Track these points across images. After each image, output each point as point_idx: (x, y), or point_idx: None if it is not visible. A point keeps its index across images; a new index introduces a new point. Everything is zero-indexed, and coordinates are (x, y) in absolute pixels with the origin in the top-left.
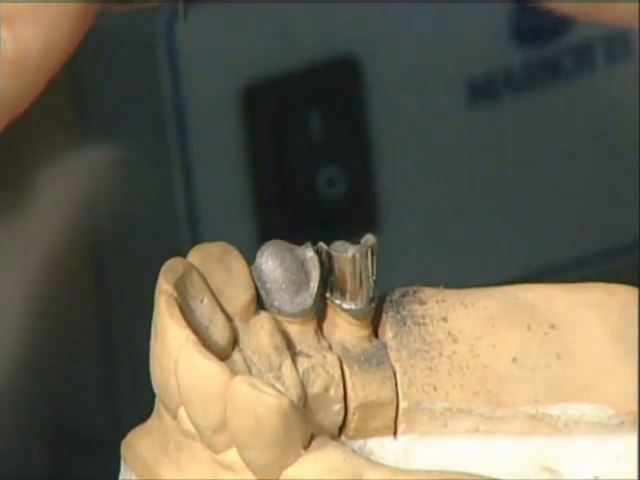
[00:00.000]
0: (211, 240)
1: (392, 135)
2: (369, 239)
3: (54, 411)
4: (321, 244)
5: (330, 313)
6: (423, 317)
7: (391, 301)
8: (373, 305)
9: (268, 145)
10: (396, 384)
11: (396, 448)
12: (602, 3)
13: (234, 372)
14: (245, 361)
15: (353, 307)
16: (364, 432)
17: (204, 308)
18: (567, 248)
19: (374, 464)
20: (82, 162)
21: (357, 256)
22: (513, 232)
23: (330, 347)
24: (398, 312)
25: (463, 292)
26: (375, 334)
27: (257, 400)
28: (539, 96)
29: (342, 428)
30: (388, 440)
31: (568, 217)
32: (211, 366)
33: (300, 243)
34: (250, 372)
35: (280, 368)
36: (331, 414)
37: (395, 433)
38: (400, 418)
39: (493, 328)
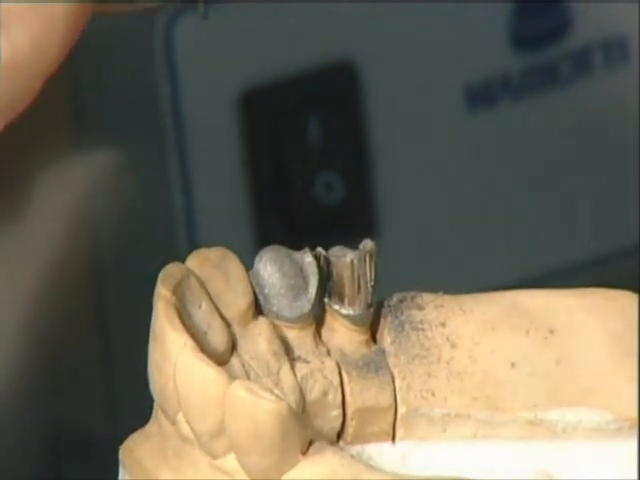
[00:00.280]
0: (209, 245)
1: (390, 140)
2: (367, 244)
3: (54, 412)
4: (319, 249)
5: (328, 318)
6: (421, 322)
7: (389, 306)
8: (371, 310)
9: (266, 150)
10: (394, 389)
11: (394, 453)
12: None
13: (232, 377)
14: (243, 366)
15: (351, 312)
16: (362, 437)
17: (202, 313)
18: (566, 253)
19: (372, 469)
20: (80, 166)
21: (355, 261)
22: (512, 237)
23: (328, 352)
24: (396, 317)
25: (461, 297)
26: (373, 339)
27: (255, 405)
28: (537, 101)
29: (340, 433)
30: (386, 445)
31: (567, 222)
32: (209, 371)
33: (298, 248)
34: (248, 377)
35: (278, 373)
36: (329, 419)
37: (393, 438)
38: (398, 423)
39: (492, 333)
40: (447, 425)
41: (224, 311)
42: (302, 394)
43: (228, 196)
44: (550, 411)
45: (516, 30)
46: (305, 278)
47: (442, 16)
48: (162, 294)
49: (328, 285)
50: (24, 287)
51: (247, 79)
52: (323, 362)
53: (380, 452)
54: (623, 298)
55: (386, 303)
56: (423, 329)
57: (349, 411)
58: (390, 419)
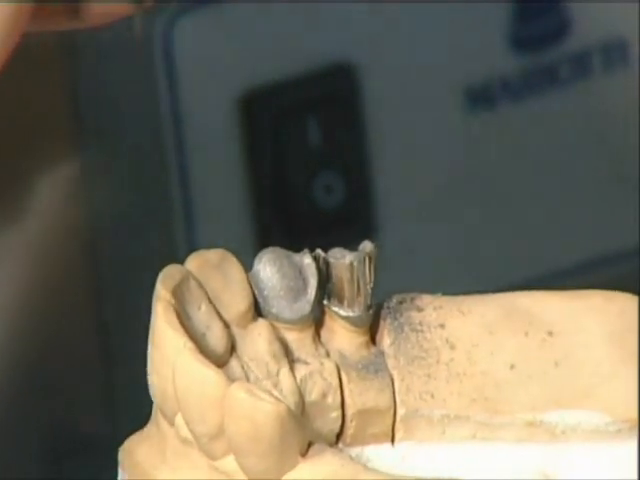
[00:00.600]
0: (209, 247)
1: (389, 141)
2: (367, 246)
3: (54, 412)
4: (319, 251)
5: (328, 320)
6: (421, 324)
7: (388, 308)
8: (371, 312)
9: (266, 151)
10: (394, 391)
11: (394, 455)
12: None
13: (231, 379)
14: (243, 368)
15: (351, 314)
16: (362, 439)
17: (202, 315)
18: (566, 255)
19: (372, 471)
20: (79, 166)
21: (355, 263)
22: (512, 239)
23: (328, 354)
24: (396, 319)
25: (461, 299)
26: (373, 341)
27: (255, 407)
28: (536, 103)
29: (340, 435)
30: (386, 447)
31: (567, 224)
32: (208, 373)
33: (298, 250)
34: (248, 379)
35: (278, 375)
36: (329, 421)
37: (393, 440)
38: (398, 425)
39: (491, 335)
40: (446, 427)
41: (223, 312)
42: (301, 396)
43: (228, 197)
44: (549, 413)
45: (516, 32)
46: (304, 280)
47: (442, 18)
48: (161, 295)
49: (327, 287)
50: (24, 288)
51: (247, 80)
52: (322, 364)
53: (379, 454)
54: (623, 300)
55: (385, 305)
56: (422, 331)
57: (348, 413)
58: (389, 421)
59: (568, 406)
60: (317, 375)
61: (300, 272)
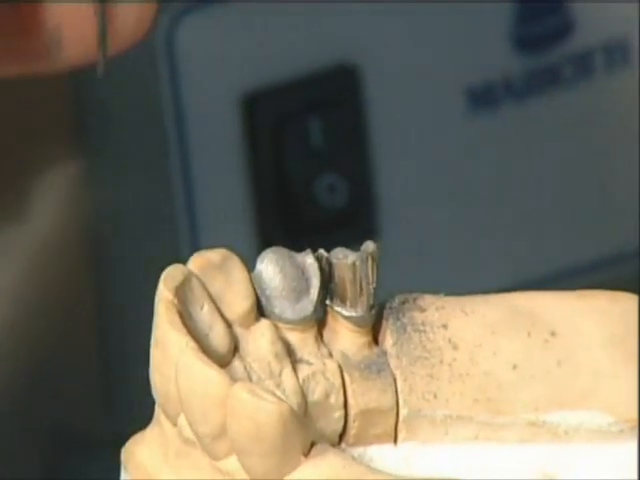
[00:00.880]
0: (211, 247)
1: (391, 142)
2: (369, 246)
3: (53, 412)
4: (321, 251)
5: (330, 320)
6: (423, 324)
7: (391, 308)
8: (373, 312)
9: (268, 152)
10: (396, 391)
11: (396, 455)
12: None
13: (234, 379)
14: (245, 368)
15: (353, 314)
16: (364, 439)
17: (204, 315)
18: (568, 256)
19: (374, 471)
20: (81, 166)
21: (357, 263)
22: (513, 239)
23: (330, 354)
24: (398, 319)
25: (463, 299)
26: (375, 341)
27: (257, 407)
28: (538, 103)
29: (342, 435)
30: (388, 447)
31: (568, 225)
32: (211, 373)
33: (300, 250)
34: (250, 379)
35: (280, 375)
36: (331, 421)
37: (395, 440)
38: (400, 425)
39: (493, 335)
40: (449, 427)
41: (226, 313)
42: (304, 396)
43: (230, 198)
44: (552, 413)
45: (518, 32)
46: (307, 280)
47: (444, 18)
48: (164, 295)
49: (330, 287)
50: (25, 288)
51: (249, 81)
52: (325, 364)
53: (382, 454)
54: (624, 300)
55: (388, 305)
56: (425, 331)
57: (351, 413)
58: (392, 421)
59: (571, 406)
60: (320, 375)
61: (303, 272)
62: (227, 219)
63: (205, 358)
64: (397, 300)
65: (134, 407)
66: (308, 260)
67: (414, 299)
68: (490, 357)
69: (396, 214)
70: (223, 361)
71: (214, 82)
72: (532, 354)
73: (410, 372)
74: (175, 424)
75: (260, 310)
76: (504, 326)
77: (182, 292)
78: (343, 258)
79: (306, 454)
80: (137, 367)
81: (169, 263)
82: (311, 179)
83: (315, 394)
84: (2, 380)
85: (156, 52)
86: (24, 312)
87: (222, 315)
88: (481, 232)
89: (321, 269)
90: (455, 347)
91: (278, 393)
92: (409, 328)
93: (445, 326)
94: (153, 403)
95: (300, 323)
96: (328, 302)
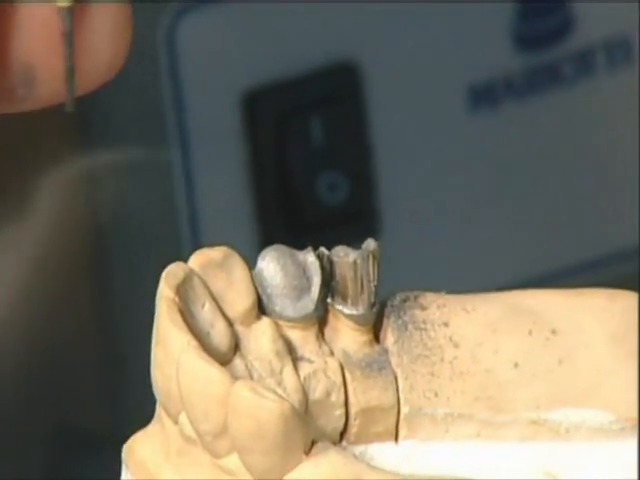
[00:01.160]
0: (212, 245)
1: (393, 140)
2: (370, 244)
3: (54, 411)
4: (322, 249)
5: (331, 318)
6: (424, 322)
7: (392, 306)
8: (374, 310)
9: (269, 150)
10: (397, 389)
11: (397, 453)
12: None
13: (235, 377)
14: (246, 366)
15: (354, 312)
16: (365, 437)
17: (205, 313)
18: (568, 254)
19: (375, 469)
20: (82, 165)
21: (358, 261)
22: (514, 237)
23: (331, 352)
24: (399, 317)
25: (464, 297)
26: (376, 339)
27: (258, 405)
28: (539, 101)
29: (343, 433)
30: (389, 445)
31: (569, 223)
32: (212, 371)
33: (301, 248)
34: (251, 377)
35: (281, 373)
36: (332, 419)
37: (396, 438)
38: (401, 423)
39: (494, 333)
40: (450, 425)
41: (227, 311)
42: (305, 394)
43: (231, 196)
44: (553, 411)
45: (519, 30)
46: (308, 278)
47: (445, 16)
48: (165, 294)
49: (331, 285)
50: (27, 287)
51: (250, 79)
52: (326, 362)
53: (383, 452)
54: (625, 298)
55: (389, 303)
56: (426, 329)
57: (352, 411)
58: (393, 419)
59: (572, 404)
60: (321, 373)
61: (304, 270)
62: (228, 217)
63: (206, 356)
64: (398, 298)
65: (135, 405)
66: (309, 258)
67: (415, 297)
68: (491, 355)
69: (397, 212)
70: (224, 359)
71: (215, 80)
72: (533, 352)
73: (411, 370)
74: (176, 422)
75: (261, 308)
76: (505, 324)
77: (183, 290)
78: (344, 256)
79: (307, 452)
80: (138, 365)
81: (170, 261)
82: (312, 177)
83: (316, 392)
84: (2, 380)
85: (157, 51)
86: (24, 311)
87: (223, 313)
88: (482, 230)
89: (322, 267)
90: (456, 345)
91: (279, 391)
92: (410, 326)
93: (446, 324)
94: (154, 401)
95: (301, 321)
96: (329, 300)
